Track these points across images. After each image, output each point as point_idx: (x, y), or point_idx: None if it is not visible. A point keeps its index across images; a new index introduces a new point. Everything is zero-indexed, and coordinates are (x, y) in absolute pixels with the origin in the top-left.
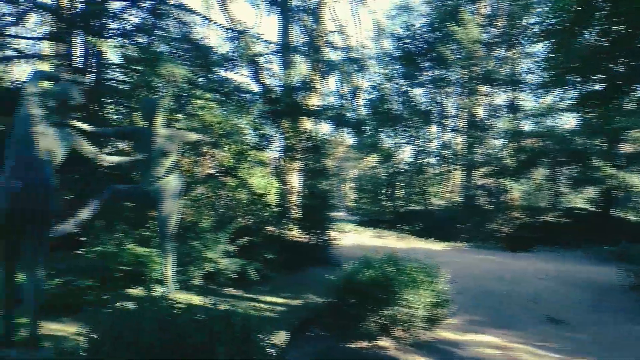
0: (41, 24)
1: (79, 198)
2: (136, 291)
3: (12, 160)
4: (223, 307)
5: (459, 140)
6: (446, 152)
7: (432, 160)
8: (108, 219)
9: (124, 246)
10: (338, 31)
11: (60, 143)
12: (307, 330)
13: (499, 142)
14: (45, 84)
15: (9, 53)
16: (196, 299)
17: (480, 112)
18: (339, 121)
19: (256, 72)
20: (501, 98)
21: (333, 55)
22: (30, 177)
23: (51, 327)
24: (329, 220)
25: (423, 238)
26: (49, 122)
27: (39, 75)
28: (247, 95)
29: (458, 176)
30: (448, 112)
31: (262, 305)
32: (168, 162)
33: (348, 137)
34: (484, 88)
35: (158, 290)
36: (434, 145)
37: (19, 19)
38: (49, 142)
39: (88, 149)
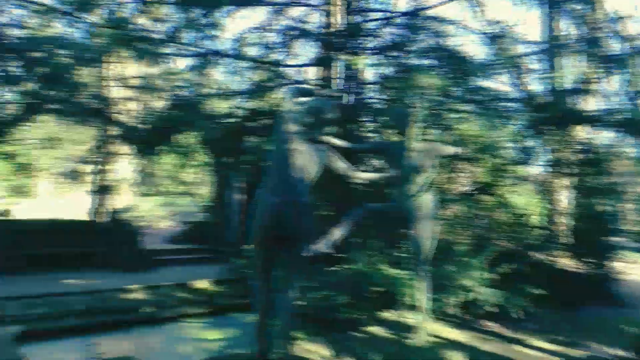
0: (305, 50)
1: (333, 216)
2: (388, 314)
3: (270, 178)
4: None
5: None
6: None
7: None
8: (362, 236)
9: (376, 266)
10: (619, 18)
11: (315, 159)
12: None
13: None
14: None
15: (279, 81)
16: (453, 334)
17: None
18: (627, 128)
19: (517, 77)
20: None
21: (613, 49)
22: (285, 194)
23: (305, 347)
24: (608, 247)
25: None
26: (304, 139)
27: (295, 92)
28: (507, 103)
29: None
30: None
31: (532, 352)
32: (423, 179)
33: (632, 147)
34: None
35: (410, 316)
36: None
37: (287, 48)
38: (304, 159)
39: (341, 165)
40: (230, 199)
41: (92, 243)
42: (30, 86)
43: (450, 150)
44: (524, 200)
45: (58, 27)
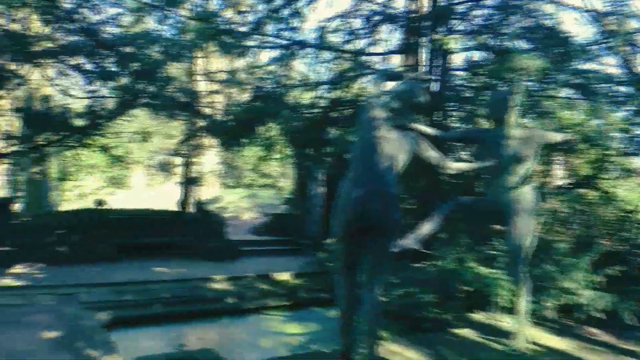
0: (389, 36)
1: (422, 209)
2: (478, 316)
3: (354, 168)
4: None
5: None
6: None
7: None
8: (450, 231)
9: (465, 264)
10: None
11: (404, 148)
12: None
13: None
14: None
15: (361, 70)
16: (553, 341)
17: None
18: None
19: (629, 57)
20: None
21: None
22: (371, 184)
23: (389, 348)
24: None
25: None
26: (392, 125)
27: (383, 75)
28: (616, 87)
29: None
30: None
31: None
32: (522, 170)
33: None
34: None
35: (505, 320)
36: None
37: (371, 35)
38: (391, 147)
39: (432, 154)
40: (312, 191)
41: (180, 233)
42: (123, 81)
43: (557, 137)
44: (633, 195)
45: (149, 24)
